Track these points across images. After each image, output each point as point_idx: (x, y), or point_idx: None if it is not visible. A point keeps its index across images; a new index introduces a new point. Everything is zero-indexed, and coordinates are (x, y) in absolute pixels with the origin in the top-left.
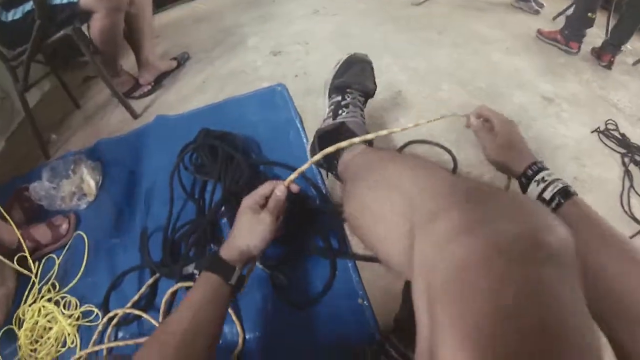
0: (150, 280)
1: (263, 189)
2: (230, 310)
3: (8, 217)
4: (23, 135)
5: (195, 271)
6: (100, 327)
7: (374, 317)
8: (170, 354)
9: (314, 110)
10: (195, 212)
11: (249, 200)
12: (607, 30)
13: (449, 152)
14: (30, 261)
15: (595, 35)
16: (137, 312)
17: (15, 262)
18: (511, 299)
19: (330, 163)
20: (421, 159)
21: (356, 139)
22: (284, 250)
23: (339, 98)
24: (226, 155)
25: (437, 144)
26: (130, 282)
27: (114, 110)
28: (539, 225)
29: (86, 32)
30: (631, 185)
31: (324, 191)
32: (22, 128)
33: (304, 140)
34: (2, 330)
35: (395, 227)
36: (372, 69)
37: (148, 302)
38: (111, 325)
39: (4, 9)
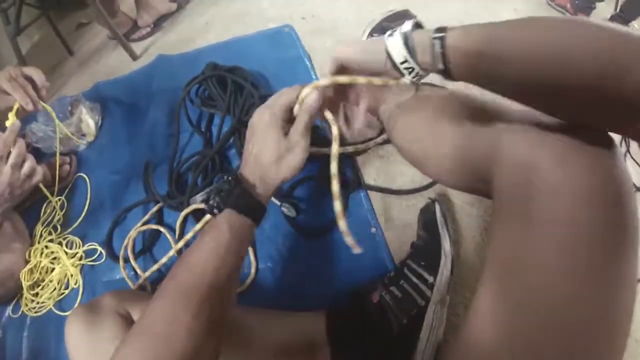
0: (155, 208)
1: (285, 97)
2: None
3: None
4: None
5: (209, 206)
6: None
7: (386, 244)
8: (194, 307)
9: (323, 50)
10: (202, 145)
11: (269, 115)
12: (616, 5)
13: None
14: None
15: (604, 10)
16: (154, 227)
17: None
18: None
19: None
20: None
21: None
22: (293, 181)
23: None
24: (236, 86)
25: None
26: (133, 219)
27: (110, 53)
28: None
29: None
30: (627, 150)
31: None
32: None
33: (313, 76)
34: None
35: (464, 149)
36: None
37: (154, 233)
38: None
39: None
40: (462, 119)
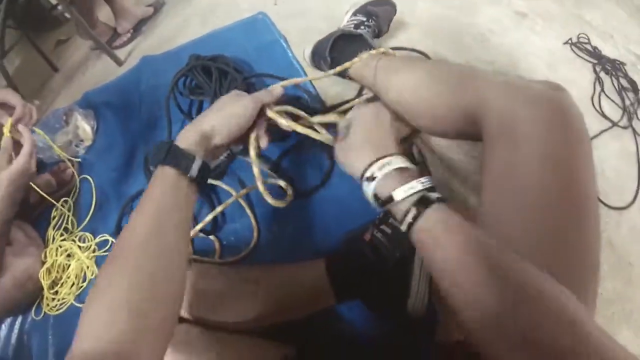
0: None
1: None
2: (244, 205)
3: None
4: None
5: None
6: None
7: None
8: (129, 271)
9: (297, 31)
10: None
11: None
12: None
13: (427, 56)
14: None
15: None
16: None
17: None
18: None
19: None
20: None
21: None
22: (281, 149)
23: (364, 19)
24: (219, 72)
25: (414, 50)
26: None
27: (94, 63)
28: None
29: None
30: (602, 90)
31: (313, 92)
32: None
33: (290, 54)
34: None
35: (456, 98)
36: (394, 16)
37: None
38: None
39: None
40: (452, 75)
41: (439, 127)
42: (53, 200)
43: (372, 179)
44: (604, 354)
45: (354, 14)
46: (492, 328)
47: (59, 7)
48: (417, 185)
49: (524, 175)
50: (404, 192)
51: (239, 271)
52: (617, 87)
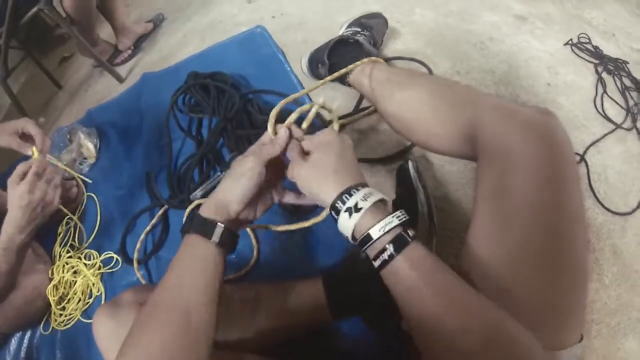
0: (160, 211)
1: (263, 137)
2: None
3: None
4: None
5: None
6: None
7: None
8: (161, 323)
9: (295, 44)
10: (195, 148)
11: (247, 151)
12: None
13: (426, 66)
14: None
15: None
16: None
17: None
18: None
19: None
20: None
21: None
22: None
23: (359, 29)
24: (217, 90)
25: (414, 59)
26: (143, 225)
27: (97, 80)
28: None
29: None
30: (604, 91)
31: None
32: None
33: (288, 68)
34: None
35: (453, 118)
36: (386, 30)
37: (162, 234)
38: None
39: None
40: (451, 95)
41: (433, 144)
42: (67, 211)
43: (356, 209)
44: None
45: (349, 26)
46: None
47: (62, 27)
48: (393, 220)
49: (514, 193)
50: (379, 230)
51: (237, 288)
52: (620, 87)
